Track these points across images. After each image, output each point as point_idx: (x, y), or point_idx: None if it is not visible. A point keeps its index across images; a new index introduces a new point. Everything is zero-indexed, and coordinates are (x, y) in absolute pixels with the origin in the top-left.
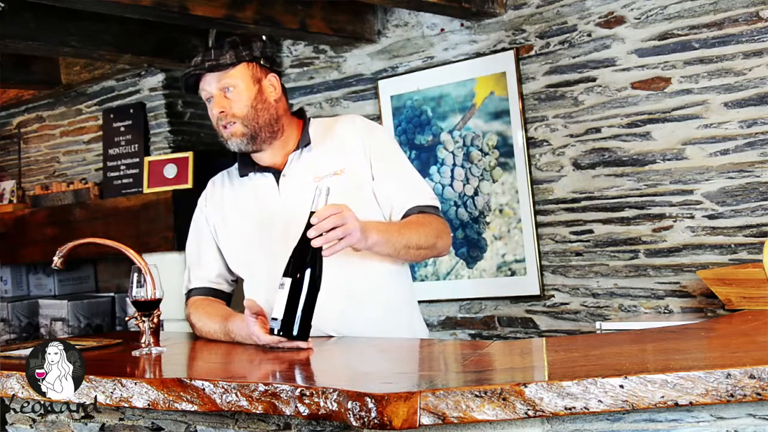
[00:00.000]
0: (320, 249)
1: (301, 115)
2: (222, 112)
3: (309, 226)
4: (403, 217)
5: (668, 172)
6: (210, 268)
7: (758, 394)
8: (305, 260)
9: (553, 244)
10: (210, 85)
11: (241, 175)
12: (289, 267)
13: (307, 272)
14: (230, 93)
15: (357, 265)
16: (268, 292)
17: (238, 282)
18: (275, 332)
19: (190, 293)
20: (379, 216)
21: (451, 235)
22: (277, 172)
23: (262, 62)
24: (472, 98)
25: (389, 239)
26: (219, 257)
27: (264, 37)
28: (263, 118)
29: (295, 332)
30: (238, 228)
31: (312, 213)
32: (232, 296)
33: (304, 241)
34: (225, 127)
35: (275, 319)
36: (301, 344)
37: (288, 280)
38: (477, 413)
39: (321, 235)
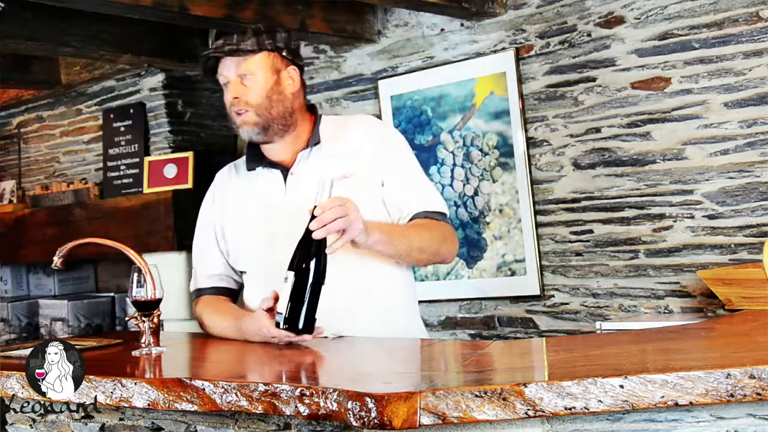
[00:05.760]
0: (324, 242)
1: (313, 112)
2: (236, 98)
3: (313, 218)
4: (410, 221)
5: (668, 172)
6: (215, 266)
7: (758, 394)
8: (309, 253)
9: (553, 244)
10: (228, 70)
11: (249, 169)
12: (294, 260)
13: (311, 265)
14: (247, 80)
15: (358, 266)
16: (267, 288)
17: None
18: (281, 326)
19: (198, 293)
20: (386, 221)
21: (458, 243)
22: (285, 169)
23: (284, 53)
24: (472, 98)
25: (392, 240)
26: (223, 255)
27: (288, 29)
28: (277, 110)
29: (300, 326)
30: (241, 223)
31: (315, 206)
32: (239, 292)
33: (308, 233)
34: (238, 114)
35: (280, 314)
36: (307, 337)
37: (291, 274)
38: (477, 413)
39: (324, 226)
